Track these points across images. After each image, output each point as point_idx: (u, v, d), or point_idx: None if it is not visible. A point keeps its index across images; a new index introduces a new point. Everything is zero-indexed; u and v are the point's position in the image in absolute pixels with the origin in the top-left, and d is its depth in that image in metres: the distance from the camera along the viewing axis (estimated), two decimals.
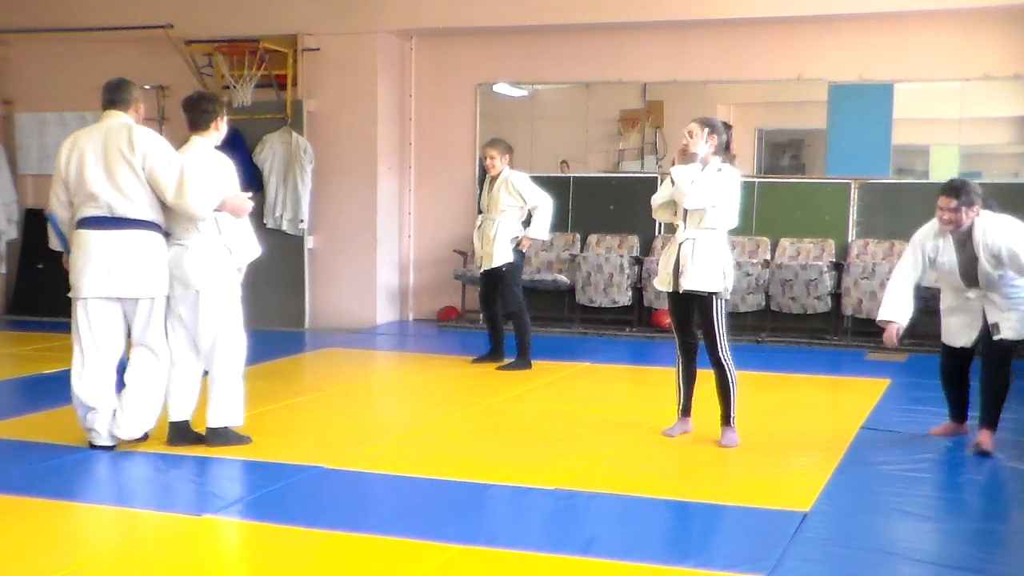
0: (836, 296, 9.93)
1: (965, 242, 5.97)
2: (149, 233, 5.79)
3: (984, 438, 5.98)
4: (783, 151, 11.38)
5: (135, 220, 5.74)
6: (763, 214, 10.42)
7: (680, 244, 6.04)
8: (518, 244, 8.40)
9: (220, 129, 6.13)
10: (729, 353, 6.09)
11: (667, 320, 10.28)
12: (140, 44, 11.30)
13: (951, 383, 6.35)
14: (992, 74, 9.85)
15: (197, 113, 6.09)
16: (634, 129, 11.17)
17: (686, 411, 6.32)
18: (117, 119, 5.90)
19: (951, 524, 4.84)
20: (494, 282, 8.49)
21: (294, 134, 10.70)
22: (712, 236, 6.04)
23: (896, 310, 6.11)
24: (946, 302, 6.26)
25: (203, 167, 5.83)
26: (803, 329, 10.10)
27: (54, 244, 6.13)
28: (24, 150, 12.10)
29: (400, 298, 11.48)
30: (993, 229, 5.89)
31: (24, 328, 10.94)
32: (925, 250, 6.11)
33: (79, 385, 5.83)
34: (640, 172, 11.10)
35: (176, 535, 4.58)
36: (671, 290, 6.11)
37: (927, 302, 9.54)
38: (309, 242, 10.89)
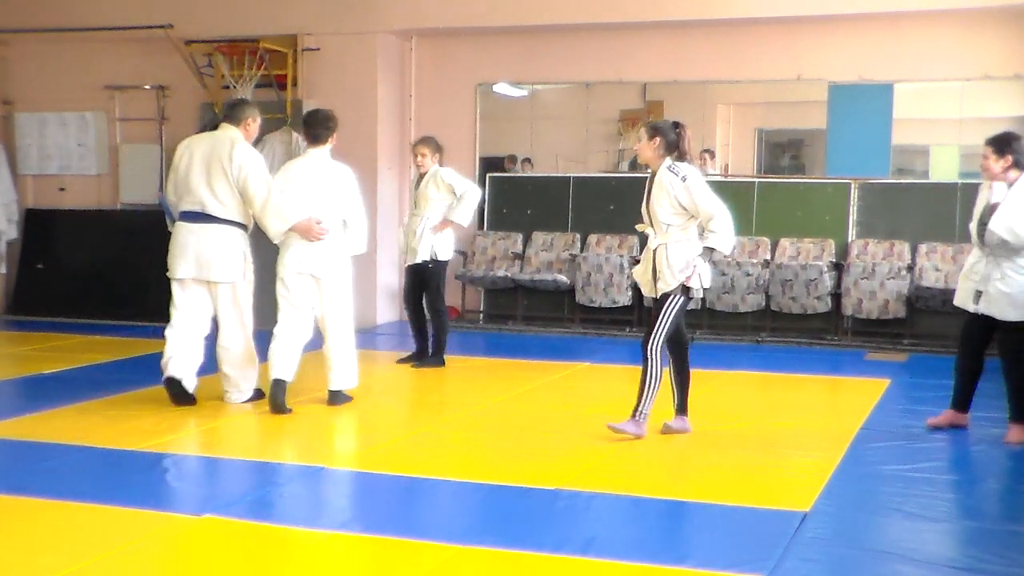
0: (836, 296, 9.93)
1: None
2: (233, 229, 6.85)
3: (1012, 434, 6.14)
4: (783, 151, 11.38)
5: (222, 219, 6.81)
6: (763, 214, 10.42)
7: (655, 250, 6.11)
8: (436, 228, 8.41)
9: (332, 142, 7.11)
10: (660, 349, 6.06)
11: None
12: (140, 44, 11.30)
13: (963, 359, 6.44)
14: (992, 74, 9.85)
15: (319, 129, 7.02)
16: (634, 129, 11.17)
17: (682, 409, 6.32)
18: (226, 132, 6.91)
19: (951, 524, 4.84)
20: (419, 278, 8.54)
21: (294, 134, 10.68)
22: (684, 238, 6.04)
23: None
24: (967, 262, 6.43)
25: (320, 175, 6.94)
26: (803, 329, 10.10)
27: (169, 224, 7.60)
28: (24, 150, 12.10)
29: (400, 298, 11.47)
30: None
31: (24, 328, 10.94)
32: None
33: (170, 333, 6.95)
34: (640, 172, 11.09)
35: (176, 535, 4.58)
36: (654, 295, 6.16)
37: (926, 302, 9.58)
38: None
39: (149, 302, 11.27)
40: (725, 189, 11.02)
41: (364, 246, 7.18)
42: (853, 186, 10.22)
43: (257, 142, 10.65)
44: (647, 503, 5.05)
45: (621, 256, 10.44)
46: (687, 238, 6.06)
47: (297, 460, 5.75)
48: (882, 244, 10.03)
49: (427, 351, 8.64)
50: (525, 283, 10.74)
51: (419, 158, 8.52)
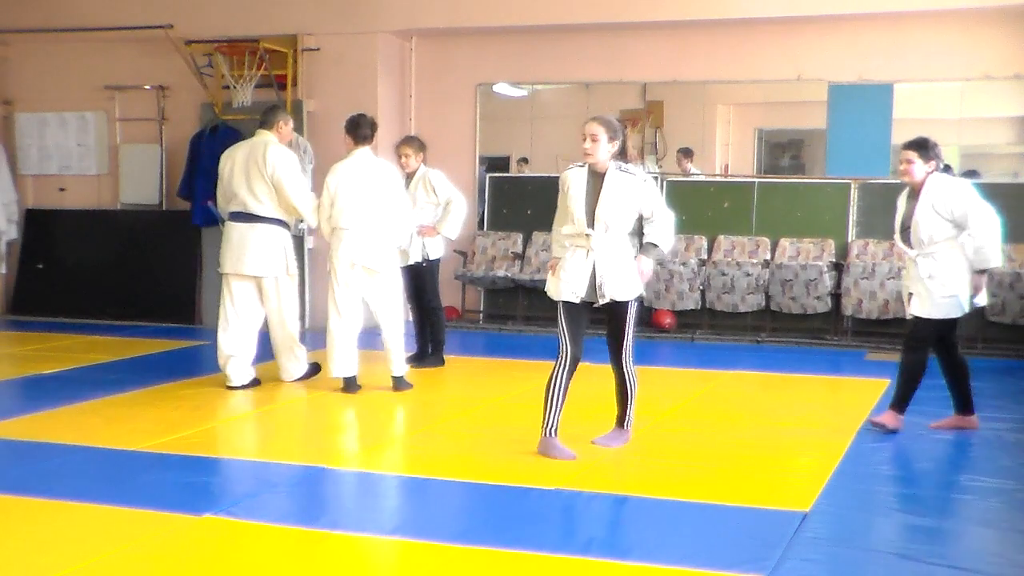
0: (836, 296, 9.92)
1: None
2: (274, 227, 7.48)
3: (885, 417, 6.35)
4: (783, 151, 11.38)
5: (264, 217, 7.43)
6: (763, 214, 10.42)
7: (598, 254, 5.70)
8: (420, 231, 8.28)
9: (373, 142, 7.61)
10: (632, 358, 5.92)
11: (667, 320, 10.36)
12: (140, 44, 11.30)
13: (940, 363, 6.51)
14: (992, 74, 9.85)
15: (366, 130, 7.50)
16: (634, 129, 11.17)
17: (554, 431, 5.81)
18: (262, 137, 7.55)
19: (951, 524, 4.84)
20: (415, 279, 8.45)
21: (294, 134, 10.68)
22: (633, 241, 5.83)
23: None
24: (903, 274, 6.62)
25: (370, 172, 7.40)
26: (803, 329, 10.10)
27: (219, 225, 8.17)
28: (24, 150, 12.09)
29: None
30: (945, 189, 6.20)
31: (24, 328, 10.94)
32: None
33: (223, 337, 7.57)
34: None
35: (176, 535, 4.58)
36: (590, 301, 5.82)
37: None
38: (309, 242, 10.87)
39: (149, 302, 11.33)
40: (725, 189, 11.12)
41: (407, 240, 7.91)
42: (853, 186, 10.22)
43: None
44: (647, 503, 5.05)
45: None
46: (633, 242, 5.83)
47: (297, 460, 5.75)
48: (882, 244, 10.02)
49: (426, 351, 8.65)
50: (525, 283, 10.74)
51: (403, 158, 8.44)
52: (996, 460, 5.87)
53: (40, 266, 11.85)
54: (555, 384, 5.80)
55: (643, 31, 10.66)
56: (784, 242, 10.34)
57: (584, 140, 5.63)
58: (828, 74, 10.29)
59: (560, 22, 10.53)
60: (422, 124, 11.37)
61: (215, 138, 10.78)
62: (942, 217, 6.18)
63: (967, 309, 6.33)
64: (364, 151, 7.47)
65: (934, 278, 6.20)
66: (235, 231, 7.53)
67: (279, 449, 6.18)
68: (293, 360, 7.76)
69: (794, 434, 6.49)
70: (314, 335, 10.43)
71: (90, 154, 11.92)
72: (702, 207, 10.67)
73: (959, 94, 10.07)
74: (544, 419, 5.77)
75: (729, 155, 11.34)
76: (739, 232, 10.52)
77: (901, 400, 6.39)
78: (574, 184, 5.70)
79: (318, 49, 10.89)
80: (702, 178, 11.01)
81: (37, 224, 12.00)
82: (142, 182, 11.66)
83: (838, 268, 10.00)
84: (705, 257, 10.44)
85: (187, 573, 4.21)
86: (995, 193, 9.94)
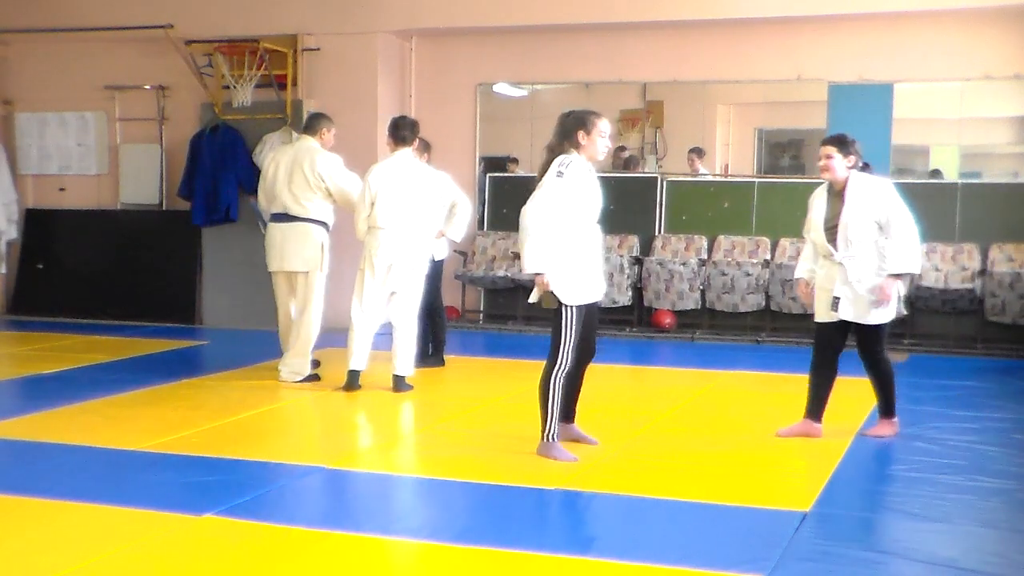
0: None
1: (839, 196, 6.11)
2: (312, 226, 7.82)
3: (879, 428, 6.31)
4: (783, 151, 11.38)
5: (303, 218, 7.79)
6: (763, 214, 10.42)
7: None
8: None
9: (416, 145, 7.84)
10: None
11: (667, 320, 10.36)
12: (140, 44, 11.30)
13: (822, 367, 6.37)
14: (992, 74, 9.85)
15: (407, 132, 7.70)
16: (634, 129, 11.17)
17: (569, 417, 6.01)
18: (306, 143, 7.90)
19: (951, 524, 4.83)
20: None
21: (294, 134, 10.67)
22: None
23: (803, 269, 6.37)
24: (818, 275, 6.34)
25: (410, 174, 7.58)
26: (803, 329, 10.05)
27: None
28: (24, 150, 12.09)
29: None
30: (873, 190, 6.07)
31: (24, 328, 10.94)
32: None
33: (281, 333, 8.07)
34: (640, 172, 11.11)
35: (176, 535, 4.58)
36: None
37: (926, 302, 9.58)
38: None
39: (149, 302, 11.34)
40: (725, 189, 11.12)
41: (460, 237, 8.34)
42: None
43: (257, 142, 10.81)
44: (647, 503, 5.05)
45: (621, 256, 10.44)
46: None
47: (297, 460, 5.75)
48: None
49: (427, 351, 8.65)
50: (525, 283, 10.72)
51: None
52: (996, 460, 5.87)
53: (40, 266, 11.85)
54: (557, 384, 5.80)
55: (643, 31, 10.67)
56: (784, 242, 10.34)
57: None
58: (828, 74, 10.29)
59: (560, 22, 10.54)
60: (422, 124, 11.20)
61: (215, 138, 10.79)
62: (870, 219, 6.02)
63: (904, 311, 6.25)
64: (404, 152, 7.64)
65: (862, 281, 6.06)
66: (277, 231, 7.92)
67: (279, 449, 6.18)
68: (300, 359, 7.89)
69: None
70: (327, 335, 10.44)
71: (90, 154, 11.92)
72: (702, 207, 10.67)
73: (959, 94, 10.07)
74: (551, 422, 5.72)
75: (729, 155, 11.34)
76: (739, 232, 10.51)
77: (889, 406, 6.35)
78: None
79: (318, 49, 10.89)
80: (702, 178, 11.01)
81: (37, 224, 12.00)
82: (142, 182, 11.66)
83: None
84: (705, 257, 10.44)
85: (187, 573, 4.21)
86: (995, 193, 10.06)
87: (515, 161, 11.58)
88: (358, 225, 7.59)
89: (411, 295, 7.69)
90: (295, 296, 8.00)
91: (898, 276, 6.10)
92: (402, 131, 7.66)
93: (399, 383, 7.63)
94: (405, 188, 7.52)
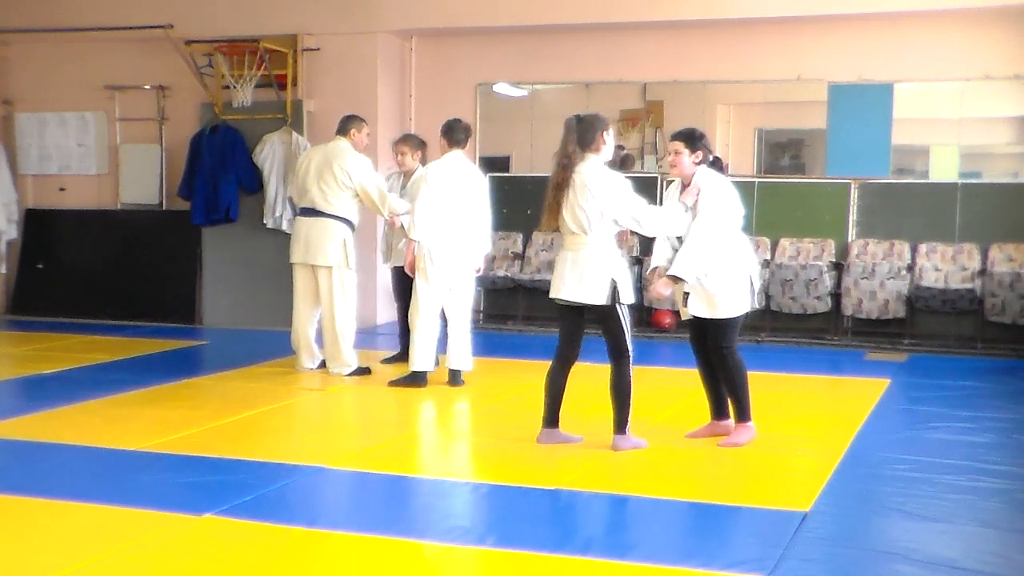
0: (836, 296, 9.93)
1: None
2: (337, 222, 8.05)
3: (734, 435, 6.10)
4: (783, 151, 11.38)
5: (328, 214, 8.04)
6: (763, 214, 10.41)
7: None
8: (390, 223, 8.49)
9: (467, 147, 8.06)
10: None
11: (667, 320, 10.35)
12: (140, 44, 11.30)
13: (702, 367, 6.35)
14: (992, 74, 9.85)
15: (460, 134, 7.93)
16: (634, 129, 11.17)
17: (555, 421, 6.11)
18: (339, 143, 8.20)
19: (951, 524, 4.83)
20: (408, 281, 8.38)
21: (294, 134, 10.69)
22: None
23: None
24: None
25: (464, 175, 7.76)
26: (803, 329, 10.10)
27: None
28: (24, 150, 12.09)
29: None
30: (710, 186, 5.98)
31: (24, 328, 10.94)
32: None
33: (294, 324, 8.28)
34: (640, 172, 11.10)
35: (176, 535, 4.58)
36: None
37: (926, 302, 9.58)
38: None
39: (149, 302, 11.34)
40: None
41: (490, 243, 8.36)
42: (853, 186, 10.22)
43: (257, 142, 10.82)
44: (647, 503, 5.05)
45: (622, 256, 10.42)
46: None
47: (297, 460, 5.75)
48: (882, 244, 10.03)
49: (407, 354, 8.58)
50: (525, 283, 10.74)
51: (399, 156, 8.57)
52: (996, 460, 5.87)
53: (40, 266, 11.85)
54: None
55: (643, 31, 10.67)
56: (784, 242, 10.34)
57: None
58: (828, 74, 10.29)
59: (560, 22, 10.54)
60: (422, 124, 11.36)
61: (215, 138, 10.79)
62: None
63: (757, 304, 6.20)
64: (457, 154, 7.82)
65: (710, 276, 5.98)
66: (303, 224, 8.19)
67: (280, 449, 6.18)
68: (337, 357, 8.11)
69: (794, 434, 6.48)
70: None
71: (90, 154, 11.92)
72: None
73: (959, 94, 10.06)
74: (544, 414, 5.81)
75: (729, 155, 11.33)
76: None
77: (744, 409, 6.12)
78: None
79: (318, 49, 10.89)
80: None
81: (37, 224, 12.01)
82: (142, 182, 11.66)
83: (838, 268, 10.00)
84: None
85: (187, 573, 4.21)
86: (995, 193, 10.06)
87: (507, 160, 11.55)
88: (415, 222, 7.60)
89: (466, 291, 7.93)
90: (318, 294, 8.15)
91: (676, 279, 5.99)
92: (457, 134, 7.89)
93: (455, 377, 7.79)
94: (455, 189, 7.67)
